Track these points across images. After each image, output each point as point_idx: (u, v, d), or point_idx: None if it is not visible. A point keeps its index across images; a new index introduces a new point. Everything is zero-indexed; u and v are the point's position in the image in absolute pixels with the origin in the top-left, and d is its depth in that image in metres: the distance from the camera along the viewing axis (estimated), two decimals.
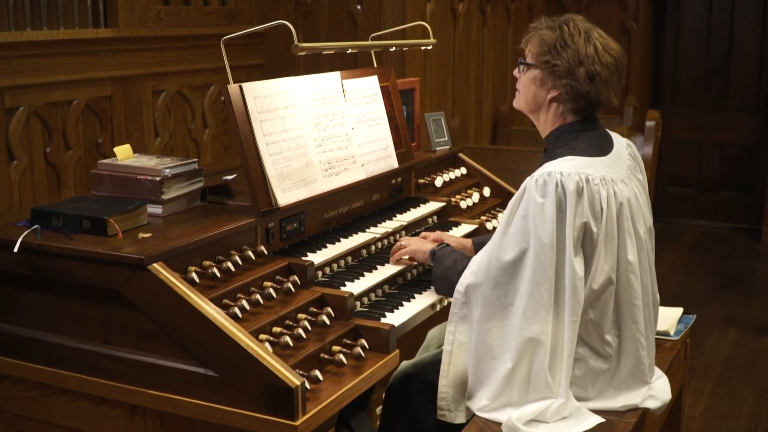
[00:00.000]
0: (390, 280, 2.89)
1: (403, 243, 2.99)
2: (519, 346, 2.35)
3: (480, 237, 3.11)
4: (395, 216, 3.30)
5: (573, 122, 2.54)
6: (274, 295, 2.50)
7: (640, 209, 2.51)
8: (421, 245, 2.94)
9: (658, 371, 2.73)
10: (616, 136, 2.64)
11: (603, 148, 2.52)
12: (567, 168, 2.36)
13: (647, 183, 2.67)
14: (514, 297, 2.36)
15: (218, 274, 2.44)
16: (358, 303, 2.71)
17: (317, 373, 2.29)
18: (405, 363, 2.80)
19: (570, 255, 2.32)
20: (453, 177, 3.88)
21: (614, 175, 2.43)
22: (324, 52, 3.06)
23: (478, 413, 2.44)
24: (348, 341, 2.51)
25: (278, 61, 5.40)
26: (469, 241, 3.04)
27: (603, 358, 2.44)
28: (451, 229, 3.36)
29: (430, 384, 2.60)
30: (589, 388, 2.45)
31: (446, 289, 2.73)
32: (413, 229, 3.32)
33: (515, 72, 2.65)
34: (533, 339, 2.34)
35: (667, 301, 3.10)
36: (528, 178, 2.39)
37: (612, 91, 2.50)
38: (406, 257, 2.96)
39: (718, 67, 7.94)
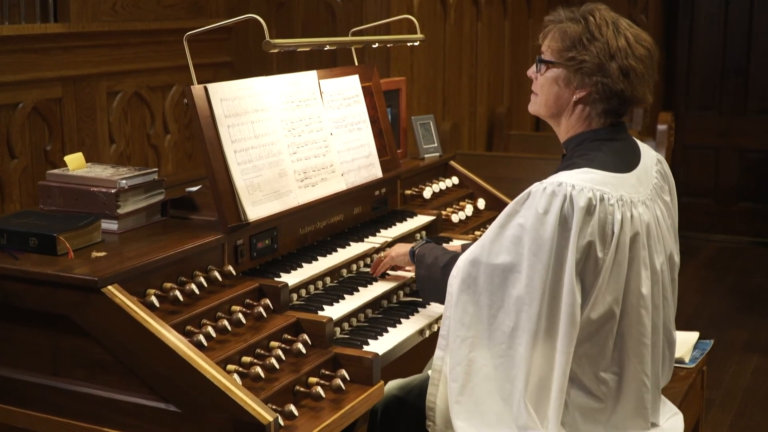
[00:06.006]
0: (373, 304, 2.90)
1: (382, 255, 3.01)
2: (497, 364, 2.36)
3: (471, 243, 3.11)
4: (379, 231, 3.31)
5: (598, 129, 2.51)
6: (244, 321, 2.50)
7: (660, 236, 2.49)
8: (400, 249, 2.96)
9: (671, 408, 2.73)
10: (645, 150, 2.61)
11: (627, 162, 2.50)
12: (581, 181, 2.34)
13: (676, 204, 2.65)
14: (498, 310, 2.36)
15: (181, 298, 2.44)
16: (337, 329, 2.71)
17: (292, 407, 2.29)
18: (392, 384, 2.78)
19: (570, 278, 2.30)
20: (444, 187, 3.89)
21: (634, 196, 2.41)
22: (299, 49, 3.06)
23: None
24: (326, 372, 2.50)
25: (248, 59, 5.40)
26: (458, 247, 3.05)
27: (596, 398, 2.43)
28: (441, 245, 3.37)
29: (422, 413, 2.59)
30: (580, 429, 2.44)
31: (433, 292, 2.73)
32: (398, 243, 3.32)
33: (530, 72, 2.60)
34: (514, 359, 2.34)
35: (681, 325, 3.12)
36: (536, 184, 2.37)
37: (647, 87, 2.48)
38: (391, 269, 2.98)
39: (736, 65, 8.00)
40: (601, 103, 2.47)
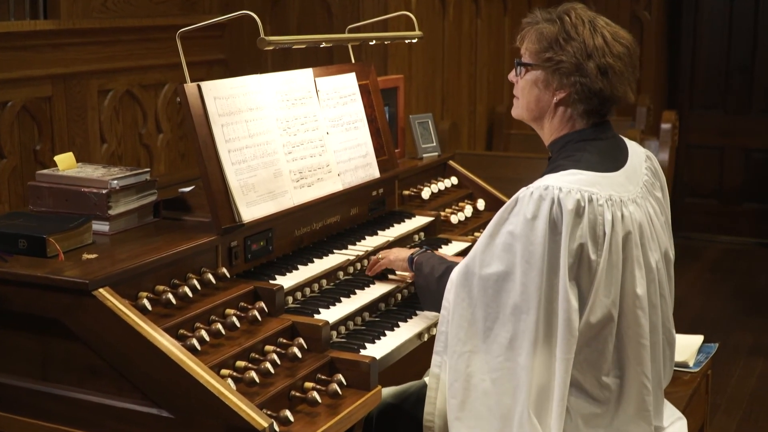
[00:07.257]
0: (371, 307, 2.89)
1: (380, 255, 3.01)
2: (494, 378, 2.35)
3: None
4: (376, 233, 3.31)
5: (582, 129, 2.52)
6: (238, 325, 2.50)
7: (654, 234, 2.50)
8: (399, 253, 2.96)
9: (675, 412, 2.73)
10: (633, 147, 2.62)
11: (615, 161, 2.50)
12: (568, 184, 2.34)
13: (668, 200, 2.66)
14: (494, 322, 2.36)
15: (173, 301, 2.44)
16: (334, 333, 2.70)
17: (287, 413, 2.29)
18: (387, 391, 2.77)
19: (564, 283, 2.30)
20: (442, 188, 3.90)
21: (624, 195, 2.42)
22: (294, 47, 3.06)
23: None
24: (323, 377, 2.50)
25: (242, 56, 5.40)
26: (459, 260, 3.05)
27: (598, 403, 2.43)
28: (441, 248, 3.37)
29: (418, 422, 2.59)
30: None
31: (430, 301, 2.74)
32: (397, 247, 3.32)
33: (511, 76, 2.63)
34: (513, 371, 2.34)
35: (685, 328, 3.13)
36: (523, 189, 2.38)
37: (627, 86, 2.49)
38: (389, 272, 2.97)
39: (741, 63, 8.01)
40: (582, 104, 2.49)
